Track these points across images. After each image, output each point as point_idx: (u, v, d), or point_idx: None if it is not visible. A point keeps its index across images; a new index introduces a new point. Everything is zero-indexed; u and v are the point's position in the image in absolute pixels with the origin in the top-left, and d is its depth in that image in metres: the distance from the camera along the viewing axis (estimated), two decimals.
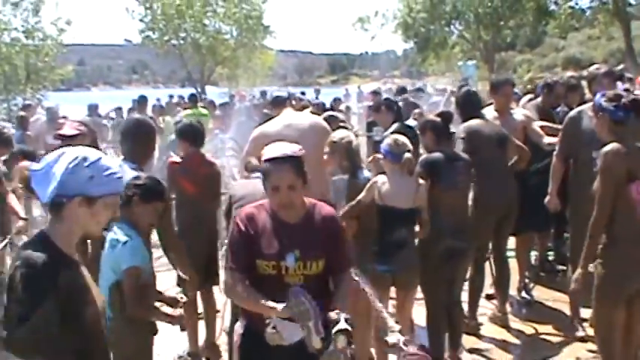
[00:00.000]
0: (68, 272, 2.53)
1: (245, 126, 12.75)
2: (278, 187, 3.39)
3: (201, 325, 6.20)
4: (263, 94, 19.87)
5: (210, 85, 39.58)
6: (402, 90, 14.28)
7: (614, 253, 4.64)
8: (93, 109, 14.87)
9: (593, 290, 4.71)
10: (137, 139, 4.89)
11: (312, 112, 10.08)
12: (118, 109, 17.69)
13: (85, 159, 2.56)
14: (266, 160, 3.45)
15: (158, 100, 19.37)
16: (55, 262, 2.48)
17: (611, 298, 4.66)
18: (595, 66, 8.08)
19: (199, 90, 34.16)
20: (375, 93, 17.01)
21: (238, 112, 14.83)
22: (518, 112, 7.30)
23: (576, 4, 32.47)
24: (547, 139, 6.83)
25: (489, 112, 7.29)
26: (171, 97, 19.60)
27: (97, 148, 3.98)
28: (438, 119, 5.85)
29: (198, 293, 6.00)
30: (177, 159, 6.20)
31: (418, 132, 6.15)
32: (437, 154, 5.55)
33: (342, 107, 17.79)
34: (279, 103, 7.60)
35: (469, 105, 6.66)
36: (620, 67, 33.84)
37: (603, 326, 4.77)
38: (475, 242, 5.89)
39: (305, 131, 5.66)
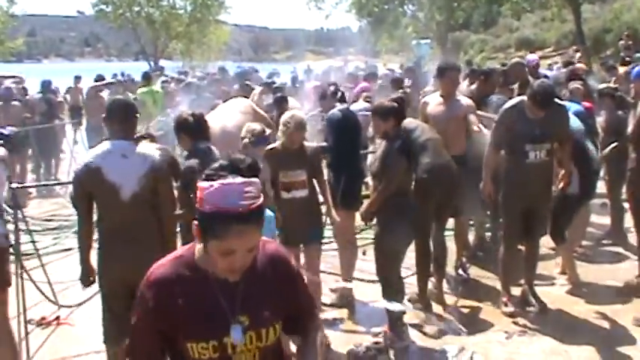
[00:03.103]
0: None
1: (195, 104, 12.91)
2: (234, 252, 2.32)
3: None
4: (222, 70, 19.83)
5: (165, 59, 39.40)
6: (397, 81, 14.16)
7: None
8: (46, 85, 14.79)
9: None
10: (131, 118, 4.97)
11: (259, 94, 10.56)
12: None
13: None
14: (214, 211, 2.28)
15: (114, 75, 19.24)
16: None
17: None
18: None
19: (153, 64, 33.99)
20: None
21: (187, 89, 14.69)
22: (463, 99, 7.56)
23: None
24: (476, 129, 7.15)
25: (434, 97, 7.60)
26: (122, 74, 19.51)
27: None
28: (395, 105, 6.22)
29: None
30: None
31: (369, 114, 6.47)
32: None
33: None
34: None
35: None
36: (573, 48, 34.54)
37: None
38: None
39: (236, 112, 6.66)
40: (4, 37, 28.06)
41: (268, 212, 4.50)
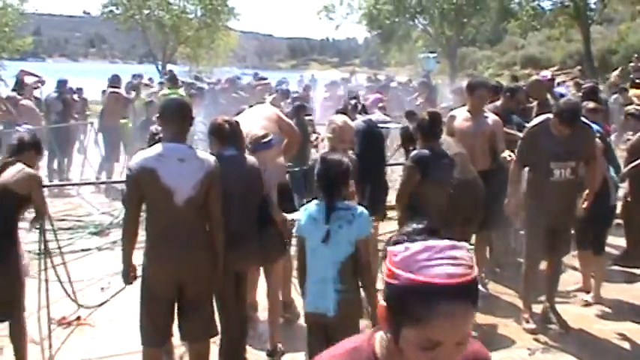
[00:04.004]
0: None
1: (211, 109, 12.95)
2: (439, 344, 1.70)
3: None
4: (237, 78, 19.80)
5: (170, 63, 39.47)
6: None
7: None
8: (62, 85, 14.79)
9: None
10: (188, 120, 4.97)
11: (273, 101, 10.50)
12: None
13: None
14: (412, 285, 1.69)
15: (137, 76, 19.11)
16: None
17: None
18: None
19: (160, 68, 34.04)
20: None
21: (200, 94, 14.77)
22: (490, 117, 7.57)
23: (538, 5, 33.04)
24: (505, 153, 7.14)
25: (462, 112, 7.62)
26: (138, 75, 19.41)
27: None
28: (426, 118, 6.22)
29: None
30: None
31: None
32: (420, 152, 5.94)
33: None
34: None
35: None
36: (578, 68, 34.65)
37: None
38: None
39: (263, 119, 6.49)
40: (13, 35, 28.03)
41: (364, 210, 4.56)
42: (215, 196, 4.90)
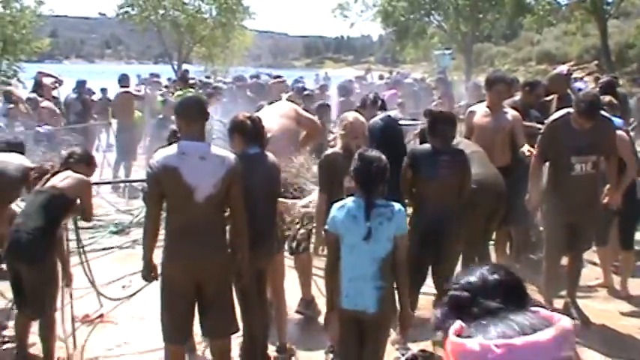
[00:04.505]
0: None
1: (229, 107, 12.99)
2: None
3: None
4: (241, 79, 19.77)
5: (185, 63, 39.56)
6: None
7: None
8: (81, 85, 14.88)
9: None
10: (204, 117, 5.01)
11: (290, 98, 10.45)
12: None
13: None
14: None
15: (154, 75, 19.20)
16: None
17: None
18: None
19: (176, 68, 34.15)
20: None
21: (220, 93, 14.91)
22: (510, 112, 7.55)
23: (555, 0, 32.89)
24: (525, 148, 7.14)
25: (481, 107, 7.61)
26: (153, 75, 19.46)
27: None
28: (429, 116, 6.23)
29: None
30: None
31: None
32: (423, 147, 5.92)
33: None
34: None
35: None
36: (595, 63, 34.46)
37: None
38: (459, 232, 6.14)
39: (280, 116, 6.87)
40: (31, 37, 28.17)
41: (402, 207, 4.57)
42: (237, 193, 4.93)
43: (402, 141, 7.47)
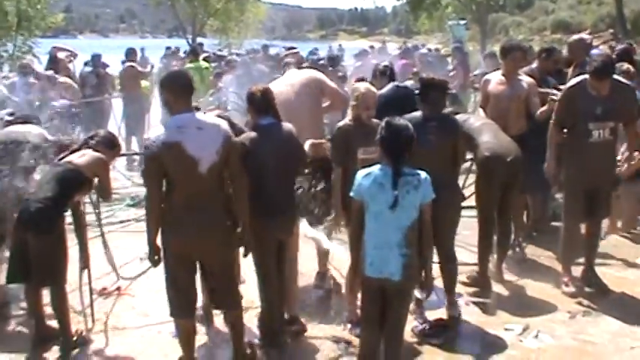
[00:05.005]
0: None
1: (244, 79, 12.94)
2: None
3: None
4: (265, 47, 19.68)
5: (200, 36, 39.43)
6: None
7: None
8: (96, 59, 14.87)
9: None
10: (193, 89, 5.01)
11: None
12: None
13: None
14: None
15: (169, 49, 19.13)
16: None
17: None
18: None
19: (191, 41, 34.05)
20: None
21: (233, 66, 14.84)
22: (525, 79, 7.49)
23: None
24: (539, 109, 7.08)
25: (496, 76, 7.57)
26: (168, 48, 19.44)
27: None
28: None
29: None
30: None
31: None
32: (412, 115, 5.87)
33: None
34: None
35: None
36: (610, 31, 34.07)
37: None
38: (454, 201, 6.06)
39: (300, 84, 6.66)
40: (46, 13, 28.09)
41: (427, 175, 4.55)
42: (235, 158, 4.94)
43: (410, 111, 7.33)
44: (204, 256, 4.93)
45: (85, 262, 6.13)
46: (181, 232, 4.80)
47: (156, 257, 4.98)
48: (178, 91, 4.88)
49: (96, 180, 5.91)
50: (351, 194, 4.61)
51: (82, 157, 5.79)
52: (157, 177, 4.80)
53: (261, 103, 5.48)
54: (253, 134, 5.39)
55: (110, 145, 6.18)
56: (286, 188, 5.50)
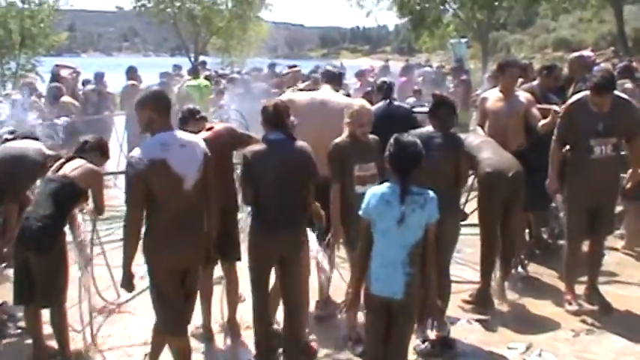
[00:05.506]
0: None
1: (245, 97, 12.97)
2: None
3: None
4: (272, 66, 19.72)
5: (202, 55, 39.52)
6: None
7: None
8: (99, 78, 14.92)
9: None
10: (170, 108, 4.93)
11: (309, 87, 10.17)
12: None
13: None
14: None
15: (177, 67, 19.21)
16: None
17: None
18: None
19: (193, 60, 34.15)
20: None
21: (234, 84, 14.92)
22: (522, 95, 7.47)
23: None
24: (542, 122, 7.04)
25: (494, 93, 7.55)
26: (176, 66, 19.49)
27: None
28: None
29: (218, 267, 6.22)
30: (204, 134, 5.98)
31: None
32: (418, 131, 5.89)
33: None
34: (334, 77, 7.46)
35: None
36: (611, 49, 34.14)
37: None
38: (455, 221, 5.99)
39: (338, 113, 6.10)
40: (49, 31, 28.20)
41: (432, 193, 4.53)
42: (211, 174, 4.94)
43: (401, 129, 7.14)
44: (186, 270, 4.92)
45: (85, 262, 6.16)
46: (172, 249, 4.76)
47: (134, 282, 4.94)
48: (162, 109, 4.82)
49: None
50: (360, 212, 4.58)
51: (76, 170, 5.74)
52: (142, 196, 4.69)
53: (270, 118, 5.43)
54: (257, 147, 5.39)
55: (102, 150, 6.19)
56: (290, 203, 5.37)
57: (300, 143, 5.44)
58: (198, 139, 5.00)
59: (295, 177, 5.36)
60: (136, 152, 4.72)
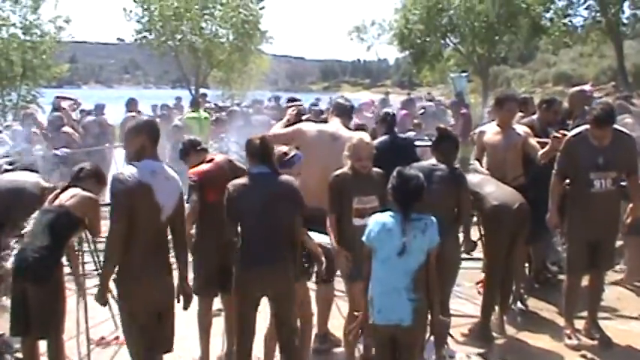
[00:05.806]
0: None
1: (244, 130, 12.99)
2: None
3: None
4: (276, 98, 19.79)
5: (202, 87, 39.61)
6: None
7: None
8: (99, 109, 15.00)
9: None
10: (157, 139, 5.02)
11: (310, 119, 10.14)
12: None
13: None
14: None
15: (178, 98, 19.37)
16: None
17: None
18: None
19: (194, 92, 34.28)
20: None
21: (234, 116, 14.98)
22: (519, 128, 7.50)
23: (570, 21, 32.76)
24: (541, 151, 7.04)
25: (491, 127, 7.58)
26: (178, 98, 19.56)
27: None
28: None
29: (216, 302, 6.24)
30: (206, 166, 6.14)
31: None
32: (421, 163, 6.03)
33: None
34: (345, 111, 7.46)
35: None
36: (612, 84, 34.28)
37: None
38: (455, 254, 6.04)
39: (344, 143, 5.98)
40: (51, 63, 28.36)
41: (432, 218, 4.55)
42: (183, 212, 5.09)
43: (404, 162, 7.12)
44: (159, 306, 4.95)
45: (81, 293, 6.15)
46: (139, 282, 4.76)
47: (108, 296, 5.03)
48: (155, 138, 4.93)
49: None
50: (363, 239, 4.65)
51: (72, 199, 5.71)
52: (126, 213, 4.68)
53: (255, 152, 5.38)
54: (240, 181, 5.33)
55: (98, 178, 6.16)
56: (274, 238, 5.25)
57: (284, 177, 5.39)
58: (176, 176, 5.01)
59: (280, 211, 5.26)
60: (126, 171, 4.76)
